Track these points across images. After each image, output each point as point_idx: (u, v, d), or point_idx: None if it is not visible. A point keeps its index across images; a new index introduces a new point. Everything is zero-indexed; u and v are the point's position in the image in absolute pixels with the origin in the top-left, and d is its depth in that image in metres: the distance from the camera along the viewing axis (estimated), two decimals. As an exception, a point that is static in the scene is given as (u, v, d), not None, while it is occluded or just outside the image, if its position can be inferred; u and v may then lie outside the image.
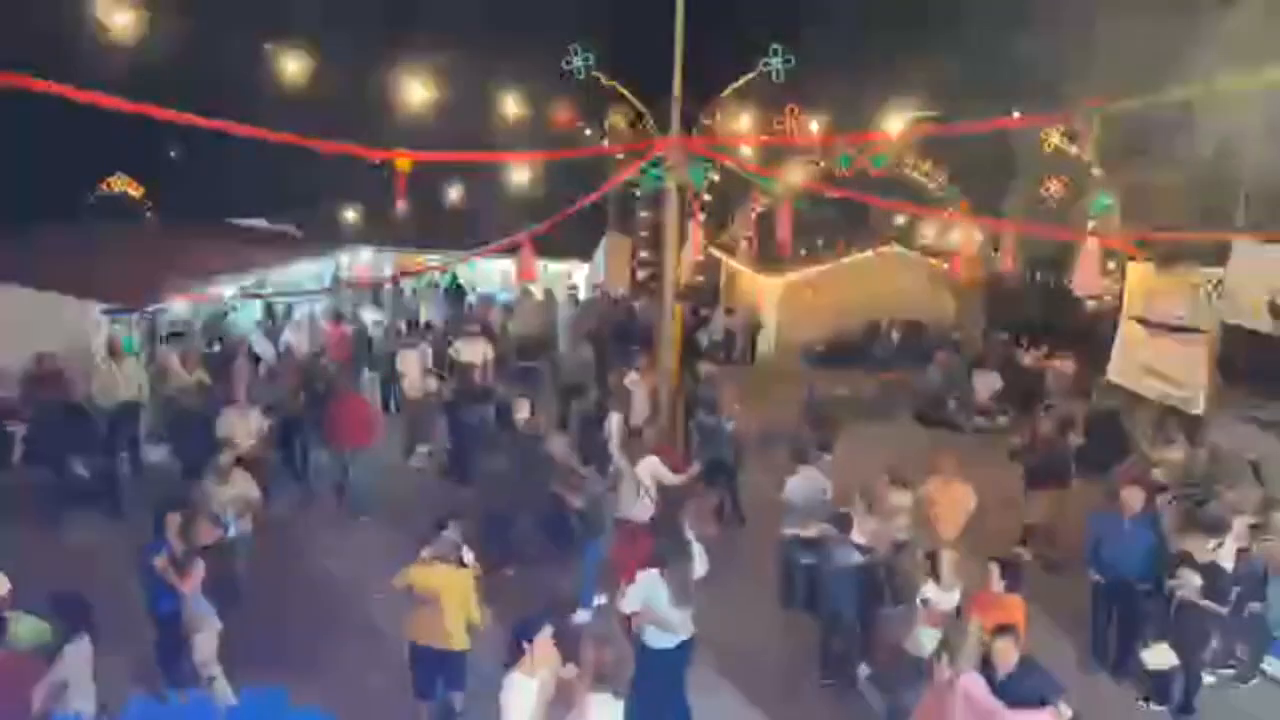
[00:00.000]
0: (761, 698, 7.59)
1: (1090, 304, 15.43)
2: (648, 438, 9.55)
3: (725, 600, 9.06)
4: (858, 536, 7.69)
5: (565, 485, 9.28)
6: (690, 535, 6.99)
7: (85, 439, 10.61)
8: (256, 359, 13.63)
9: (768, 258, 22.75)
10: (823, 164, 19.50)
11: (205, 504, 7.96)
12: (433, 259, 20.80)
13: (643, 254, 23.47)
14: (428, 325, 16.01)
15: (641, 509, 8.75)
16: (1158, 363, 13.12)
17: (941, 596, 6.91)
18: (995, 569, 6.86)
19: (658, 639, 6.54)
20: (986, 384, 14.73)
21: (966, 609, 6.76)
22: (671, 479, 8.95)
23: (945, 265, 21.84)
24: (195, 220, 22.09)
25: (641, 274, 25.44)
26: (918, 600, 7.00)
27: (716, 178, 12.88)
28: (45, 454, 10.59)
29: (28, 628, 5.89)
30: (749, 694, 7.62)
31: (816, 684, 7.79)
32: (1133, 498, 7.97)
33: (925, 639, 6.78)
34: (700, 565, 6.79)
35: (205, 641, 6.67)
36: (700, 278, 13.51)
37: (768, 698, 7.60)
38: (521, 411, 9.93)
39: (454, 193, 24.47)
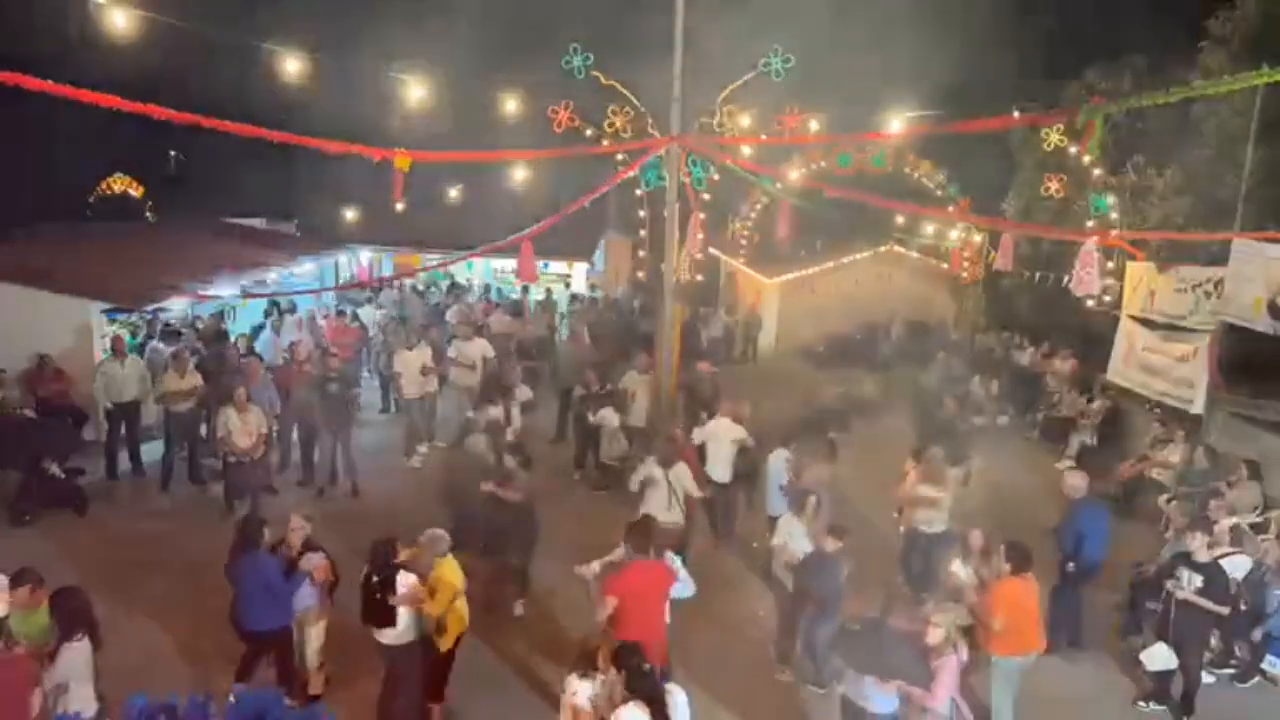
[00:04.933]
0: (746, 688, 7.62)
1: (1090, 304, 15.41)
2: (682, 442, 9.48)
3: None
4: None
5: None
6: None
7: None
8: (259, 358, 13.59)
9: (768, 258, 22.77)
10: (823, 164, 19.50)
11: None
12: (432, 259, 20.79)
13: (642, 254, 23.44)
14: (426, 325, 15.99)
15: (674, 516, 8.47)
16: (1157, 362, 13.13)
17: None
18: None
19: None
20: (987, 384, 14.73)
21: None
22: (696, 493, 8.81)
23: (945, 265, 21.85)
24: (195, 220, 22.09)
25: (641, 274, 25.40)
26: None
27: (717, 177, 12.84)
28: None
29: (35, 626, 5.87)
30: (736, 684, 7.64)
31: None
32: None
33: None
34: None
35: None
36: (700, 278, 13.50)
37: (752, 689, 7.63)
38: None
39: (454, 192, 24.40)
